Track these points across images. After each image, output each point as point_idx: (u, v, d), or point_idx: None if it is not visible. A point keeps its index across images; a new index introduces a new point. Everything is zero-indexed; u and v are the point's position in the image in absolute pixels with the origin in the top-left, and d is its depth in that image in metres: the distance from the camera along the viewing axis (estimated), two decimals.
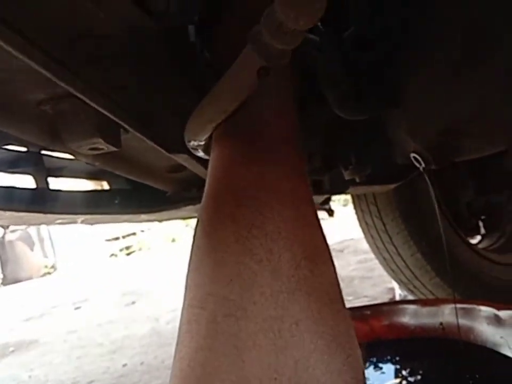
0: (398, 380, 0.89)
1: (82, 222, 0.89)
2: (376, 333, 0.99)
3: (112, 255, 8.15)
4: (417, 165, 0.65)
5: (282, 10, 0.27)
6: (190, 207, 0.89)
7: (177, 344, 0.37)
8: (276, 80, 0.45)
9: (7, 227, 6.63)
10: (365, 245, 1.52)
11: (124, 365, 1.98)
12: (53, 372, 2.12)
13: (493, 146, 0.64)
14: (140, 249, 8.24)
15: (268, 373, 0.33)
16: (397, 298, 1.93)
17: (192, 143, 0.48)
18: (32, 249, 7.90)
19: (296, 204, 0.41)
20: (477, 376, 0.81)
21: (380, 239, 1.36)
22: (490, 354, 0.81)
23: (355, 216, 1.48)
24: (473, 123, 0.55)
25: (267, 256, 0.37)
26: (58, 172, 0.85)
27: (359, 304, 1.10)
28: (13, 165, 0.74)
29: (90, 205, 0.84)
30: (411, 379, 0.88)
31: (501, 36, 0.45)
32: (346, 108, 0.59)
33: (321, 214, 1.37)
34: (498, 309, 0.83)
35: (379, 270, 1.57)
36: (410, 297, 1.50)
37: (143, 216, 0.94)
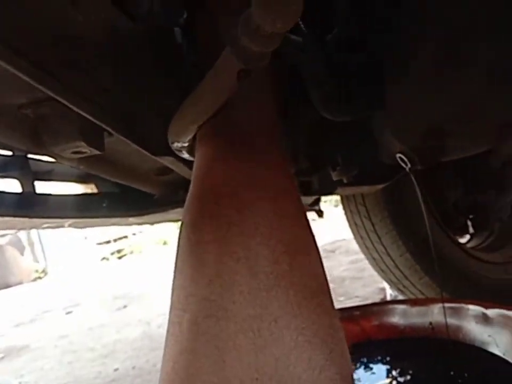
0: (388, 380, 0.89)
1: (69, 225, 0.88)
2: (367, 333, 0.99)
3: (103, 258, 8.10)
4: (403, 165, 0.65)
5: (258, 13, 0.27)
6: (178, 209, 0.88)
7: (164, 347, 0.37)
8: (258, 81, 0.45)
9: None
10: (356, 246, 1.52)
11: (116, 369, 1.96)
12: (43, 377, 2.10)
13: (477, 146, 0.65)
14: (132, 253, 8.20)
15: (249, 373, 0.32)
16: (388, 298, 1.93)
17: (175, 144, 0.48)
18: (22, 254, 7.83)
19: (275, 197, 0.41)
20: (466, 375, 0.82)
21: (369, 239, 1.36)
22: (479, 352, 0.82)
23: (345, 217, 1.49)
24: (457, 123, 0.55)
25: (245, 253, 0.36)
26: (45, 176, 0.84)
27: (351, 304, 1.10)
28: None
29: (78, 209, 0.83)
30: (401, 379, 0.89)
31: (483, 38, 0.45)
32: (330, 109, 0.60)
33: (311, 215, 1.37)
34: (486, 307, 0.83)
35: (370, 270, 1.57)
36: (401, 297, 1.50)
37: (131, 219, 0.94)
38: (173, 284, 0.40)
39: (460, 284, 1.29)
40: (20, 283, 7.12)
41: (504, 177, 1.37)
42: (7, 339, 3.10)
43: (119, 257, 8.09)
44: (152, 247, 7.96)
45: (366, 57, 0.56)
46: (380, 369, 0.93)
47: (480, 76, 0.49)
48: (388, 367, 0.93)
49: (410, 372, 0.90)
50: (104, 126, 0.43)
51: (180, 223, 0.43)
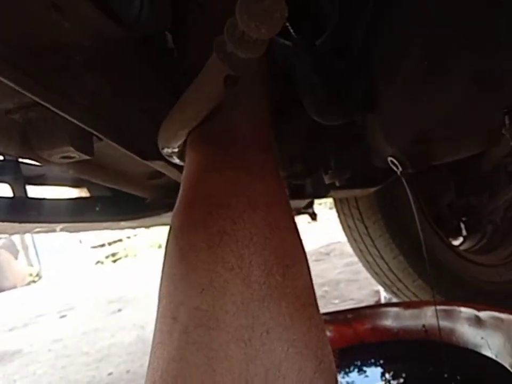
0: (382, 383, 0.89)
1: (61, 230, 0.88)
2: (360, 336, 0.99)
3: (98, 262, 8.06)
4: (395, 168, 0.66)
5: (243, 20, 0.27)
6: (171, 213, 0.88)
7: (150, 355, 0.37)
8: (249, 87, 0.45)
9: None
10: (351, 248, 1.52)
11: (110, 374, 1.95)
12: (37, 382, 2.08)
13: (466, 150, 0.65)
14: (126, 256, 8.17)
15: (239, 383, 0.32)
16: (383, 300, 1.94)
17: (166, 150, 0.48)
18: (16, 258, 7.78)
19: (268, 208, 0.41)
20: (459, 377, 0.82)
21: (363, 242, 1.36)
22: (472, 355, 0.82)
23: (338, 220, 1.49)
24: (445, 128, 0.55)
25: (238, 263, 0.36)
26: (36, 180, 0.84)
27: (345, 307, 1.10)
28: None
29: (70, 213, 0.83)
30: (394, 382, 0.89)
31: (467, 45, 0.46)
32: (321, 113, 0.60)
33: (305, 218, 1.37)
34: (479, 310, 0.83)
35: (365, 273, 1.57)
36: (395, 299, 1.51)
37: (124, 223, 0.93)
38: (161, 291, 0.39)
39: (452, 286, 1.30)
40: (14, 287, 7.07)
41: (496, 179, 1.38)
42: (0, 343, 3.07)
43: (114, 261, 8.06)
44: (146, 251, 7.93)
45: (355, 61, 0.57)
46: (373, 372, 0.93)
47: (465, 83, 0.49)
48: (381, 370, 0.93)
49: (404, 374, 0.90)
50: (92, 131, 0.43)
51: None
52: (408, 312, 0.96)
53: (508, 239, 1.57)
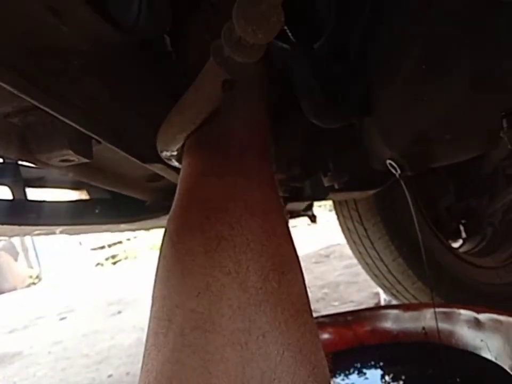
0: None
1: (61, 232, 0.88)
2: (360, 339, 1.00)
3: (98, 264, 8.06)
4: (393, 171, 0.66)
5: (239, 24, 0.27)
6: None
7: (143, 357, 0.37)
8: (246, 90, 0.46)
9: None
10: (350, 250, 1.53)
11: (110, 376, 1.95)
12: None
13: (466, 153, 0.65)
14: (126, 258, 8.17)
15: None
16: (382, 303, 1.93)
17: (164, 153, 0.48)
18: (16, 260, 7.78)
19: (265, 215, 0.41)
20: (459, 379, 0.82)
21: (362, 244, 1.36)
22: (471, 357, 0.82)
23: (337, 222, 1.49)
24: (444, 130, 0.55)
25: (235, 268, 0.37)
26: (36, 182, 0.84)
27: (345, 309, 1.10)
28: None
29: (70, 215, 0.83)
30: None
31: (466, 46, 0.46)
32: (320, 116, 0.60)
33: (305, 220, 1.37)
34: (478, 312, 0.83)
35: (365, 275, 1.57)
36: (394, 301, 1.51)
37: (123, 226, 0.94)
38: (155, 294, 0.39)
39: (452, 288, 1.30)
40: (14, 289, 7.07)
41: (495, 182, 1.38)
42: (0, 345, 3.07)
43: (114, 263, 8.06)
44: (146, 253, 7.93)
45: (352, 65, 0.57)
46: (373, 374, 0.93)
47: (464, 83, 0.49)
48: (381, 372, 0.93)
49: (403, 377, 0.90)
50: (91, 134, 0.43)
51: None
52: (408, 314, 0.97)
53: (506, 241, 1.57)
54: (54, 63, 0.36)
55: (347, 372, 0.94)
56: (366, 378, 0.93)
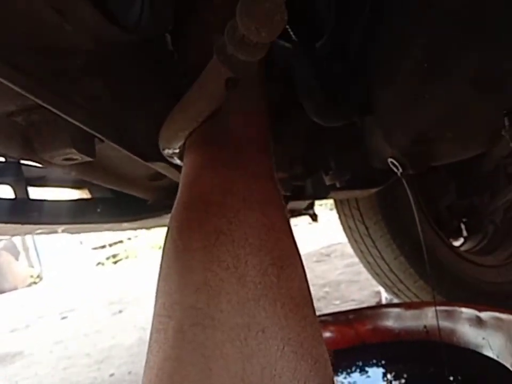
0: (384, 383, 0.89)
1: (63, 231, 0.88)
2: (361, 337, 1.00)
3: (99, 263, 8.07)
4: (395, 169, 0.66)
5: (243, 23, 0.27)
6: None
7: (147, 354, 0.37)
8: (247, 88, 0.46)
9: None
10: (351, 249, 1.53)
11: (111, 375, 1.95)
12: (38, 383, 2.09)
13: (467, 151, 0.65)
14: (127, 257, 8.17)
15: (235, 382, 0.32)
16: (384, 301, 1.94)
17: (166, 151, 0.48)
18: (17, 259, 7.79)
19: (263, 208, 0.41)
20: (460, 377, 0.82)
21: (363, 243, 1.36)
22: (473, 355, 0.82)
23: (339, 220, 1.49)
24: (445, 129, 0.55)
25: (234, 263, 0.36)
26: (38, 181, 0.84)
27: (347, 308, 1.10)
28: None
29: (72, 214, 0.83)
30: (396, 382, 0.89)
31: (467, 45, 0.46)
32: (321, 115, 0.60)
33: (306, 219, 1.37)
34: (480, 310, 0.84)
35: (366, 273, 1.57)
36: (396, 300, 1.51)
37: (125, 225, 0.94)
38: (157, 290, 0.40)
39: (453, 287, 1.30)
40: (15, 288, 7.08)
41: (496, 180, 1.38)
42: (2, 345, 3.07)
43: (115, 262, 8.06)
44: (147, 252, 7.93)
45: (352, 64, 0.57)
46: (374, 372, 0.93)
47: (465, 83, 0.49)
48: (383, 370, 0.93)
49: (405, 375, 0.91)
50: (94, 132, 0.43)
51: None
52: (409, 313, 0.97)
53: (508, 239, 1.57)
54: (57, 62, 0.36)
55: (349, 370, 0.94)
56: (368, 376, 0.93)
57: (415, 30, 0.48)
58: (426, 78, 0.49)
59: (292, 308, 0.37)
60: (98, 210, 0.89)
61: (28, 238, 7.92)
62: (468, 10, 0.42)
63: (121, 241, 8.68)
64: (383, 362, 0.95)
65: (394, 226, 1.29)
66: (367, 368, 0.94)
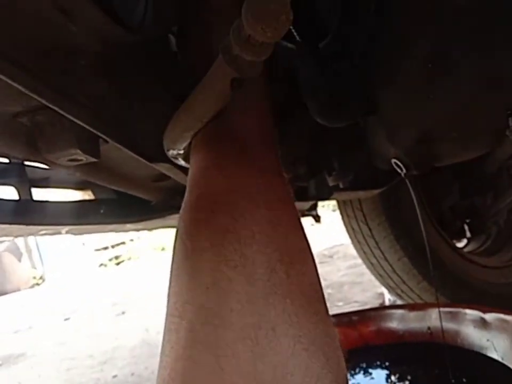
0: None
1: (67, 232, 0.88)
2: (365, 339, 0.99)
3: (101, 264, 8.08)
4: (399, 170, 0.66)
5: (249, 23, 0.27)
6: (176, 215, 0.88)
7: (160, 354, 0.37)
8: (251, 89, 0.46)
9: None
10: (354, 250, 1.52)
11: (114, 376, 1.95)
12: None
13: (471, 152, 0.65)
14: (129, 259, 8.18)
15: (248, 381, 0.32)
16: (387, 303, 1.93)
17: (171, 152, 0.48)
18: (20, 260, 7.81)
19: (270, 204, 0.41)
20: (465, 379, 0.82)
21: (367, 244, 1.36)
22: (477, 357, 0.82)
23: (342, 222, 1.49)
24: (449, 129, 0.55)
25: (242, 261, 0.36)
26: (42, 183, 0.84)
27: (349, 310, 1.10)
28: None
29: (75, 215, 0.83)
30: None
31: (472, 45, 0.46)
32: (325, 115, 0.60)
33: (309, 220, 1.37)
34: (484, 312, 0.83)
35: (369, 275, 1.57)
36: (399, 301, 1.50)
37: (129, 226, 0.94)
38: (169, 291, 0.40)
39: (457, 288, 1.29)
40: (18, 290, 7.09)
41: (500, 181, 1.38)
42: (5, 346, 3.08)
43: (117, 264, 8.07)
44: (150, 253, 7.94)
45: (357, 64, 0.57)
46: (378, 374, 0.93)
47: (470, 83, 0.49)
48: (387, 372, 0.93)
49: (409, 377, 0.90)
50: (99, 133, 0.43)
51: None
52: (413, 314, 0.96)
53: (511, 241, 1.57)
54: (62, 62, 0.36)
55: (352, 372, 0.94)
56: (372, 378, 0.93)
57: (419, 30, 0.48)
58: (431, 78, 0.49)
59: (303, 303, 0.37)
60: (102, 211, 0.89)
61: (31, 239, 7.94)
62: (475, 9, 0.42)
63: (123, 243, 8.70)
64: (386, 364, 0.95)
65: (398, 228, 1.28)
66: (370, 370, 0.94)
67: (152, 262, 6.60)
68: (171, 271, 0.41)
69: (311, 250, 0.42)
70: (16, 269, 7.47)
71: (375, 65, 0.56)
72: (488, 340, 0.81)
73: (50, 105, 0.35)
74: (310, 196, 0.95)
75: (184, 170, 0.58)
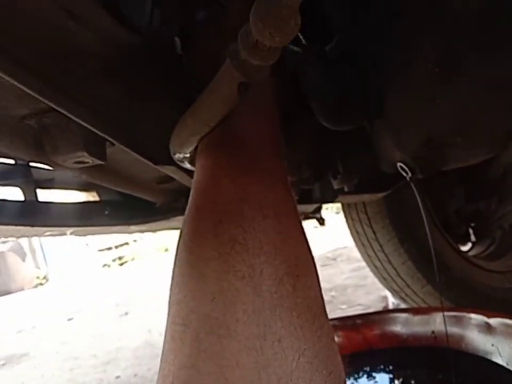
0: None
1: (71, 233, 0.88)
2: (369, 342, 0.99)
3: (105, 265, 8.10)
4: (404, 174, 0.65)
5: (257, 28, 0.27)
6: (180, 217, 0.89)
7: (161, 362, 0.37)
8: (259, 92, 0.46)
9: None
10: (358, 253, 1.52)
11: (117, 377, 1.96)
12: None
13: (477, 156, 0.65)
14: (133, 259, 8.20)
15: None
16: (390, 306, 1.93)
17: (177, 155, 0.48)
18: (23, 260, 7.84)
19: (278, 216, 0.41)
20: None
21: (371, 247, 1.36)
22: (482, 362, 0.81)
23: (346, 224, 1.48)
24: (456, 133, 0.55)
25: (249, 272, 0.36)
26: (47, 184, 0.84)
27: (353, 313, 1.10)
28: (1, 177, 0.74)
29: (80, 217, 0.83)
30: None
31: (481, 49, 0.46)
32: (331, 119, 0.60)
33: (313, 223, 1.37)
34: (489, 316, 0.83)
35: (372, 278, 1.57)
36: (403, 305, 1.50)
37: (133, 227, 0.94)
38: (172, 298, 0.39)
39: (461, 292, 1.29)
40: (21, 289, 7.12)
41: (505, 185, 1.37)
42: (8, 346, 3.09)
43: (121, 264, 8.09)
44: (153, 254, 7.95)
45: (364, 67, 0.57)
46: (382, 378, 0.93)
47: (478, 89, 0.49)
48: (390, 376, 0.93)
49: (413, 381, 0.90)
50: (106, 136, 0.43)
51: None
52: (417, 318, 0.96)
53: None
54: (70, 65, 0.36)
55: (356, 376, 0.94)
56: (375, 382, 0.92)
57: (427, 34, 0.47)
58: (439, 81, 0.49)
59: (308, 317, 0.37)
60: (106, 212, 0.89)
61: (35, 239, 7.96)
62: (482, 13, 0.42)
63: (127, 243, 8.72)
64: (390, 367, 0.95)
65: (402, 231, 1.28)
66: (374, 374, 0.94)
67: (155, 262, 6.61)
68: (173, 278, 0.41)
69: (315, 264, 0.43)
70: (20, 269, 7.50)
71: (382, 69, 0.55)
72: (492, 345, 0.81)
73: (57, 108, 0.35)
74: (315, 199, 0.95)
75: (190, 173, 0.58)
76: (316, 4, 0.63)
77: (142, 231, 1.08)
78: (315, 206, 1.17)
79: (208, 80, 0.39)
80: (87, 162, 0.46)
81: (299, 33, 0.58)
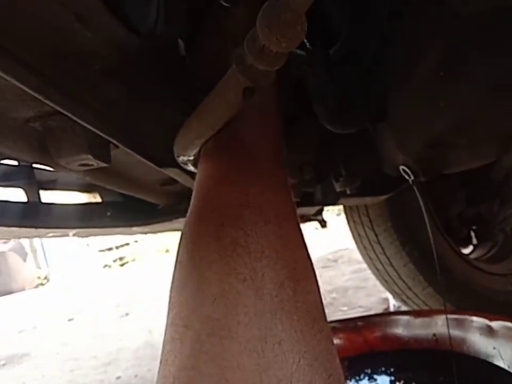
0: None
1: (74, 235, 0.88)
2: (370, 344, 0.99)
3: (105, 266, 8.09)
4: (407, 177, 0.65)
5: (264, 33, 0.27)
6: (182, 219, 0.89)
7: (160, 363, 0.37)
8: (262, 97, 0.46)
9: None
10: (359, 255, 1.52)
11: (118, 378, 1.96)
12: None
13: (480, 159, 0.65)
14: (134, 260, 8.20)
15: None
16: (391, 308, 1.92)
17: (181, 158, 0.48)
18: (24, 260, 7.85)
19: (280, 221, 0.41)
20: None
21: (373, 249, 1.36)
22: (483, 365, 0.81)
23: (348, 227, 1.48)
24: (459, 136, 0.55)
25: (251, 275, 0.37)
26: (49, 185, 0.85)
27: (354, 315, 1.10)
28: (4, 178, 0.74)
29: (82, 218, 0.83)
30: None
31: (484, 52, 0.46)
32: (334, 122, 0.60)
33: (314, 224, 1.37)
34: (491, 319, 0.83)
35: (373, 280, 1.57)
36: (404, 307, 1.50)
37: (135, 229, 0.94)
38: (172, 300, 0.39)
39: (463, 295, 1.29)
40: (22, 290, 7.12)
41: (506, 188, 1.37)
42: (9, 346, 3.09)
43: (121, 265, 8.09)
44: (154, 255, 7.95)
45: (367, 70, 0.57)
46: (383, 380, 0.93)
47: (480, 90, 0.49)
48: (391, 378, 0.93)
49: None
50: (110, 138, 0.43)
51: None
52: (419, 320, 0.96)
53: None
54: (75, 68, 0.36)
55: (357, 378, 0.94)
56: None
57: (431, 36, 0.48)
58: (443, 84, 0.49)
59: (308, 321, 0.37)
60: (109, 214, 0.89)
61: (36, 239, 7.97)
62: (487, 15, 0.42)
63: (128, 244, 8.72)
64: (391, 370, 0.95)
65: (404, 234, 1.28)
66: (375, 376, 0.94)
67: (156, 263, 6.60)
68: (173, 280, 0.41)
69: (314, 268, 0.43)
70: (21, 269, 7.51)
71: (385, 72, 0.56)
72: (494, 348, 0.81)
73: (62, 111, 0.36)
74: (317, 201, 0.95)
75: (193, 175, 0.58)
76: (316, 3, 0.63)
77: (145, 233, 1.09)
78: (317, 208, 1.17)
79: (212, 82, 0.39)
80: (92, 165, 0.46)
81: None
